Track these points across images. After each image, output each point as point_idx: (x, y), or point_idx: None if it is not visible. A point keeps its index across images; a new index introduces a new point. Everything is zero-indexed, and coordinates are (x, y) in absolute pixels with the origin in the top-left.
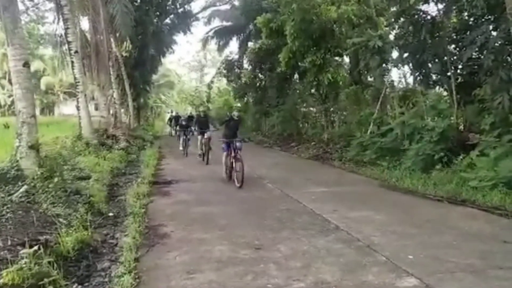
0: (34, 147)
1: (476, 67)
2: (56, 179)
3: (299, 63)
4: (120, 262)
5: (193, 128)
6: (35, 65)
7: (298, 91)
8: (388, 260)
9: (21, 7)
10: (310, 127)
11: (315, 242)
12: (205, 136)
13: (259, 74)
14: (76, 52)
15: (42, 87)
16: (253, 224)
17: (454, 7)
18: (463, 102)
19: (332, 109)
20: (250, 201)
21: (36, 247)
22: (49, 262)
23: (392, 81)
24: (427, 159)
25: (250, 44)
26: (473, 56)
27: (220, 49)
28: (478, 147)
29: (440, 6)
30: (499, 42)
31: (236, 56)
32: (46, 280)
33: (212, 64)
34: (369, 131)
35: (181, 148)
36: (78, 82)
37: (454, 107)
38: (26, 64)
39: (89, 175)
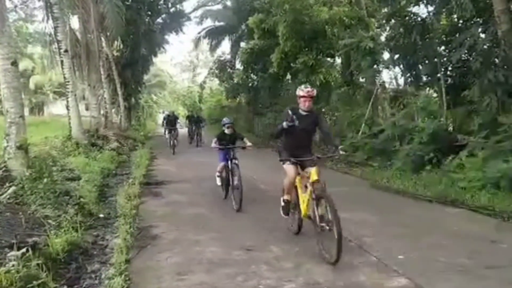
0: (23, 147)
1: (465, 69)
2: (45, 180)
3: (291, 64)
4: (110, 264)
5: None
6: (24, 64)
7: (290, 92)
8: (379, 260)
9: (9, 5)
10: None
11: (306, 243)
12: (311, 170)
13: (252, 75)
14: (66, 51)
15: (31, 86)
16: (245, 225)
17: (444, 9)
18: (452, 103)
19: (323, 109)
20: (242, 202)
21: (24, 249)
22: (37, 265)
23: (383, 82)
24: (417, 160)
25: (242, 44)
26: (462, 58)
27: (212, 49)
28: (467, 148)
29: (430, 8)
30: (487, 45)
31: (228, 56)
32: (34, 282)
33: (204, 64)
34: (360, 132)
35: (218, 182)
36: (68, 81)
37: (444, 109)
38: (14, 63)
39: (79, 176)
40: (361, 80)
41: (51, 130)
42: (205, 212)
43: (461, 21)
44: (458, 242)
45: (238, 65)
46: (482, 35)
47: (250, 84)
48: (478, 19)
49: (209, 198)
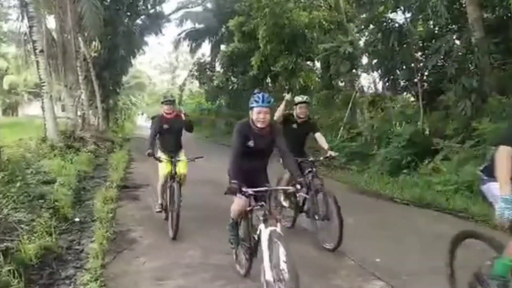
0: None
1: (441, 74)
2: (18, 184)
3: (271, 67)
4: (85, 269)
5: None
6: None
7: (271, 95)
8: (356, 263)
9: None
10: None
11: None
12: None
13: (232, 77)
14: (41, 51)
15: (5, 86)
16: (225, 229)
17: (420, 16)
18: (429, 108)
19: None
20: (223, 205)
21: None
22: (9, 271)
23: (362, 86)
24: (395, 163)
25: (222, 47)
26: (438, 64)
27: (192, 51)
28: (442, 152)
29: (408, 14)
30: (462, 51)
31: (209, 59)
32: None
33: (184, 66)
34: (339, 136)
35: None
36: (44, 82)
37: (420, 113)
38: None
39: (54, 179)
40: (340, 84)
41: (25, 131)
42: (183, 215)
43: (437, 28)
44: (434, 244)
45: (218, 68)
46: (457, 42)
47: (230, 87)
48: (453, 26)
49: (186, 200)
